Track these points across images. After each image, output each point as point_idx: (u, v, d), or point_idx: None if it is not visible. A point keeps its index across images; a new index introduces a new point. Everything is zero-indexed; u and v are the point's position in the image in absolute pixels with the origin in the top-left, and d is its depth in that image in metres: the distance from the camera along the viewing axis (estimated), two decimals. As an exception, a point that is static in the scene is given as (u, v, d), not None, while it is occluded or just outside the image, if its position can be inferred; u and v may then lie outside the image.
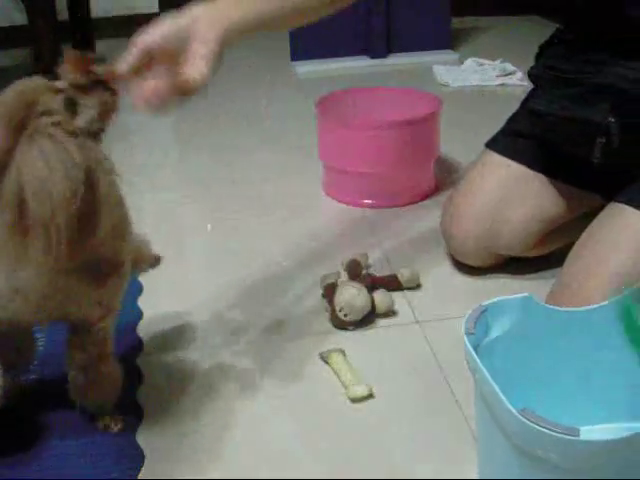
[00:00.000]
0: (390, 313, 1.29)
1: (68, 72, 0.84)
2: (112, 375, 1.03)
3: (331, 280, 1.34)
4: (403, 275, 1.37)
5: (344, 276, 1.35)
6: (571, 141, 1.23)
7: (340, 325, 1.27)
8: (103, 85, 0.87)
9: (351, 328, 1.26)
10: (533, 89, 1.35)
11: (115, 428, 1.05)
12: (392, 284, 1.35)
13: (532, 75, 1.29)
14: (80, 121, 0.85)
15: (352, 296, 1.25)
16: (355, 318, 1.25)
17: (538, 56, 1.34)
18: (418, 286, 1.38)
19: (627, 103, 1.12)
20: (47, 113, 0.80)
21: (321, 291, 1.35)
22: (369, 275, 1.36)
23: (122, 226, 0.94)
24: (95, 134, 0.88)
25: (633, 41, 1.13)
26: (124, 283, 0.99)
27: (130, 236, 0.97)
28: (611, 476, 0.75)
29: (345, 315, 1.24)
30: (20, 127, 0.78)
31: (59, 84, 0.84)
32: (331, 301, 1.28)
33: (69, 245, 0.80)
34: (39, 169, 0.77)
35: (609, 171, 1.21)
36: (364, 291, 1.26)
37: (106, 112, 0.88)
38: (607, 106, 1.13)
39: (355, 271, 1.35)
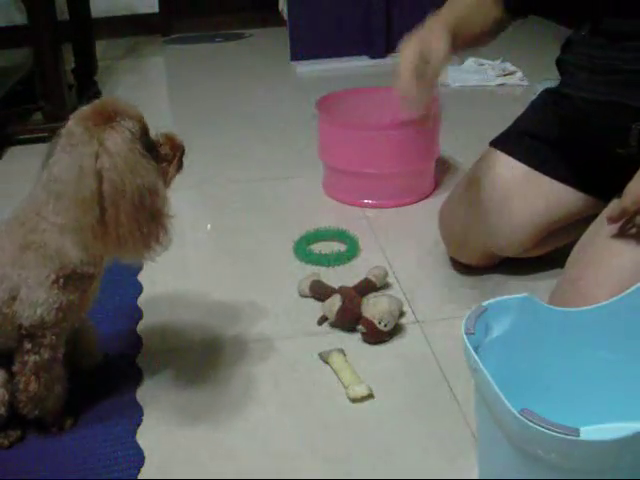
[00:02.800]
0: (402, 313, 1.29)
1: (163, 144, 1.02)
2: (62, 379, 1.06)
3: (315, 278, 1.34)
4: (377, 277, 1.35)
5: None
6: (602, 127, 1.19)
7: (378, 338, 1.23)
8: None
9: (387, 339, 1.24)
10: (562, 78, 1.31)
11: (67, 427, 1.07)
12: (369, 289, 1.33)
13: (562, 61, 1.25)
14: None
15: (388, 304, 1.23)
16: (392, 326, 1.23)
17: (565, 46, 1.31)
18: (387, 285, 1.38)
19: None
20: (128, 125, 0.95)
21: (308, 292, 1.35)
22: (342, 287, 1.31)
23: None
24: None
25: None
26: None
27: None
28: (611, 476, 0.75)
29: (385, 326, 1.22)
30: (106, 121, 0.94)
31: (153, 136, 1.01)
32: (348, 310, 1.24)
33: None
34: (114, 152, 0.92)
35: (629, 163, 1.18)
36: (392, 297, 1.26)
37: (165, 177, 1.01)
38: None
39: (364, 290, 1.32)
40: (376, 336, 1.22)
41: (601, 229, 1.16)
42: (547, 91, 1.34)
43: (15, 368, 1.02)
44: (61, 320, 0.99)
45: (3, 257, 0.97)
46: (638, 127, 1.13)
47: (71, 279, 0.98)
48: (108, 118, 0.94)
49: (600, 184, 1.27)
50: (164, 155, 1.01)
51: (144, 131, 0.98)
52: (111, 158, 0.91)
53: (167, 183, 1.01)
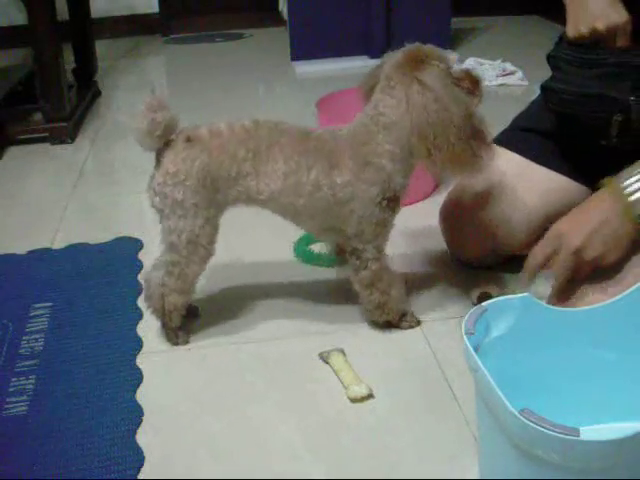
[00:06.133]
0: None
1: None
2: (396, 281, 1.24)
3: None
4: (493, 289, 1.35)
5: None
6: (588, 119, 1.20)
7: None
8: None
9: None
10: (552, 73, 1.33)
11: (414, 323, 1.27)
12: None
13: (552, 57, 1.27)
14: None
15: None
16: None
17: (558, 42, 1.33)
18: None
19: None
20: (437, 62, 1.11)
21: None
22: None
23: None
24: None
25: None
26: None
27: None
28: (611, 476, 0.75)
29: None
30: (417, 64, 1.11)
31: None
32: None
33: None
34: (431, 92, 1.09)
35: (619, 155, 1.20)
36: None
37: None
38: (628, 84, 1.13)
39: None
40: None
41: None
42: (540, 86, 1.35)
43: (356, 286, 1.22)
44: (377, 235, 1.18)
45: (346, 168, 1.14)
46: (618, 119, 1.14)
47: (391, 200, 1.16)
48: (419, 61, 1.10)
49: (593, 174, 1.28)
50: (467, 88, 1.14)
51: (449, 69, 1.12)
52: (432, 92, 1.08)
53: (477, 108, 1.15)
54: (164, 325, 1.24)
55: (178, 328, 1.24)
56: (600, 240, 1.04)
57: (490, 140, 1.15)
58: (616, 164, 1.10)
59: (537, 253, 1.09)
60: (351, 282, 1.23)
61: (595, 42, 1.17)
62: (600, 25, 1.14)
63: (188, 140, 1.14)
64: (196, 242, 1.16)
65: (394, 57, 1.14)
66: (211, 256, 1.20)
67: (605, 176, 1.15)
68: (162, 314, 1.22)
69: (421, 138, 1.10)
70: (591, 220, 1.05)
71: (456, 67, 1.16)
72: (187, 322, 1.27)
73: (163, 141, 1.14)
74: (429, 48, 1.13)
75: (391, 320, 1.25)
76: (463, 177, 1.20)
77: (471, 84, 1.14)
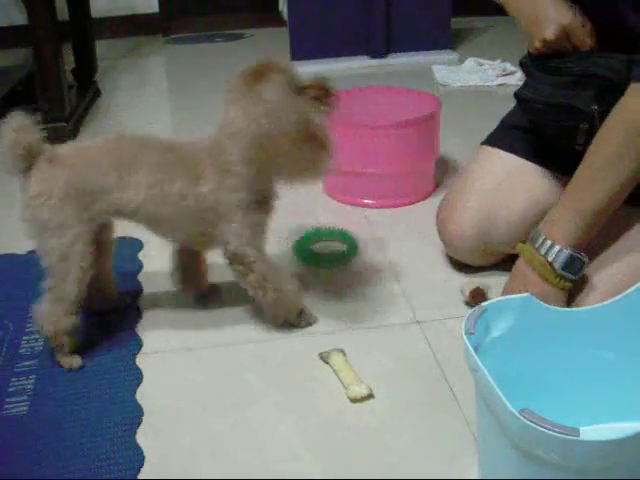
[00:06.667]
0: None
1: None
2: (288, 280, 1.25)
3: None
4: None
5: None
6: (556, 127, 1.24)
7: None
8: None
9: None
10: (525, 80, 1.36)
11: (312, 321, 1.29)
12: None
13: (522, 64, 1.31)
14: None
15: None
16: None
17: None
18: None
19: (611, 92, 1.13)
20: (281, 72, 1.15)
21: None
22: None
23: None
24: None
25: (618, 33, 1.14)
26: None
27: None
28: (611, 476, 0.75)
29: None
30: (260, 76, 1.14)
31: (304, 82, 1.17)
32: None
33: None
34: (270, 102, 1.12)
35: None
36: None
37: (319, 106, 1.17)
38: (591, 94, 1.15)
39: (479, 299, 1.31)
40: None
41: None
42: (514, 94, 1.37)
43: (250, 292, 1.24)
44: (254, 236, 1.20)
45: (210, 177, 1.16)
46: (584, 127, 1.17)
47: (260, 202, 1.20)
48: (260, 73, 1.14)
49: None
50: (313, 96, 1.16)
51: (292, 79, 1.15)
52: (267, 103, 1.12)
53: (321, 115, 1.17)
54: (56, 351, 1.19)
55: (72, 351, 1.20)
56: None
57: (328, 145, 1.17)
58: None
59: None
60: (243, 287, 1.25)
61: (558, 50, 1.18)
62: (548, 34, 1.17)
63: (50, 160, 1.13)
64: (68, 261, 1.14)
65: (244, 70, 1.17)
66: (89, 275, 1.17)
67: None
68: (54, 340, 1.18)
69: (258, 147, 1.14)
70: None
71: (312, 76, 1.18)
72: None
73: (27, 163, 1.12)
74: (274, 61, 1.16)
75: (290, 319, 1.27)
76: (305, 182, 1.22)
77: (319, 92, 1.17)
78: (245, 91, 1.14)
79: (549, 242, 1.12)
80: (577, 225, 1.11)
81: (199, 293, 1.37)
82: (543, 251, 1.12)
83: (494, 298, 0.98)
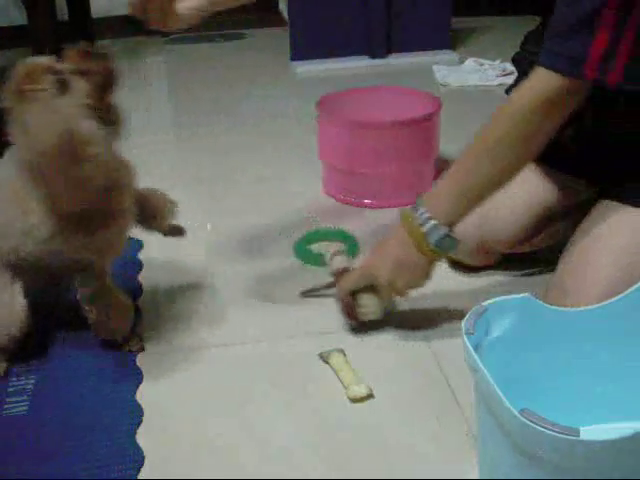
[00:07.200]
0: None
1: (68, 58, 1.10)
2: (120, 305, 1.21)
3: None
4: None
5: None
6: None
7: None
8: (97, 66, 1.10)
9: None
10: (516, 77, 1.36)
11: (135, 348, 1.22)
12: None
13: (514, 60, 1.31)
14: (68, 98, 1.05)
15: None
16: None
17: (523, 43, 1.36)
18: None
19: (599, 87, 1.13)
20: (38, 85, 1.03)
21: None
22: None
23: (117, 182, 1.12)
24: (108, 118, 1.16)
25: None
26: (122, 231, 1.18)
27: (128, 191, 1.15)
28: (611, 476, 0.75)
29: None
30: (19, 92, 1.01)
31: (58, 66, 1.08)
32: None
33: (63, 193, 1.03)
34: (30, 125, 1.00)
35: (582, 153, 1.23)
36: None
37: (97, 91, 1.10)
38: None
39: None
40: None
41: (591, 227, 1.17)
42: (505, 91, 1.37)
43: (82, 302, 1.18)
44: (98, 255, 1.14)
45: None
46: (571, 126, 1.16)
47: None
48: (20, 91, 1.01)
49: (576, 164, 1.30)
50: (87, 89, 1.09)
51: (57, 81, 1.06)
52: (23, 126, 1.00)
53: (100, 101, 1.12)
54: None
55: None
56: (406, 271, 1.17)
57: (94, 155, 1.03)
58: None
59: (348, 287, 1.22)
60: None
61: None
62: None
63: None
64: None
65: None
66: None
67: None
68: None
69: (28, 172, 1.04)
70: (392, 254, 1.18)
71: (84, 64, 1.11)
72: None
73: None
74: (31, 67, 1.06)
75: (114, 340, 1.22)
76: (80, 204, 1.06)
77: (99, 75, 1.09)
78: (10, 112, 1.01)
79: (427, 215, 1.13)
80: (459, 202, 1.13)
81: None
82: (420, 221, 1.14)
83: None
